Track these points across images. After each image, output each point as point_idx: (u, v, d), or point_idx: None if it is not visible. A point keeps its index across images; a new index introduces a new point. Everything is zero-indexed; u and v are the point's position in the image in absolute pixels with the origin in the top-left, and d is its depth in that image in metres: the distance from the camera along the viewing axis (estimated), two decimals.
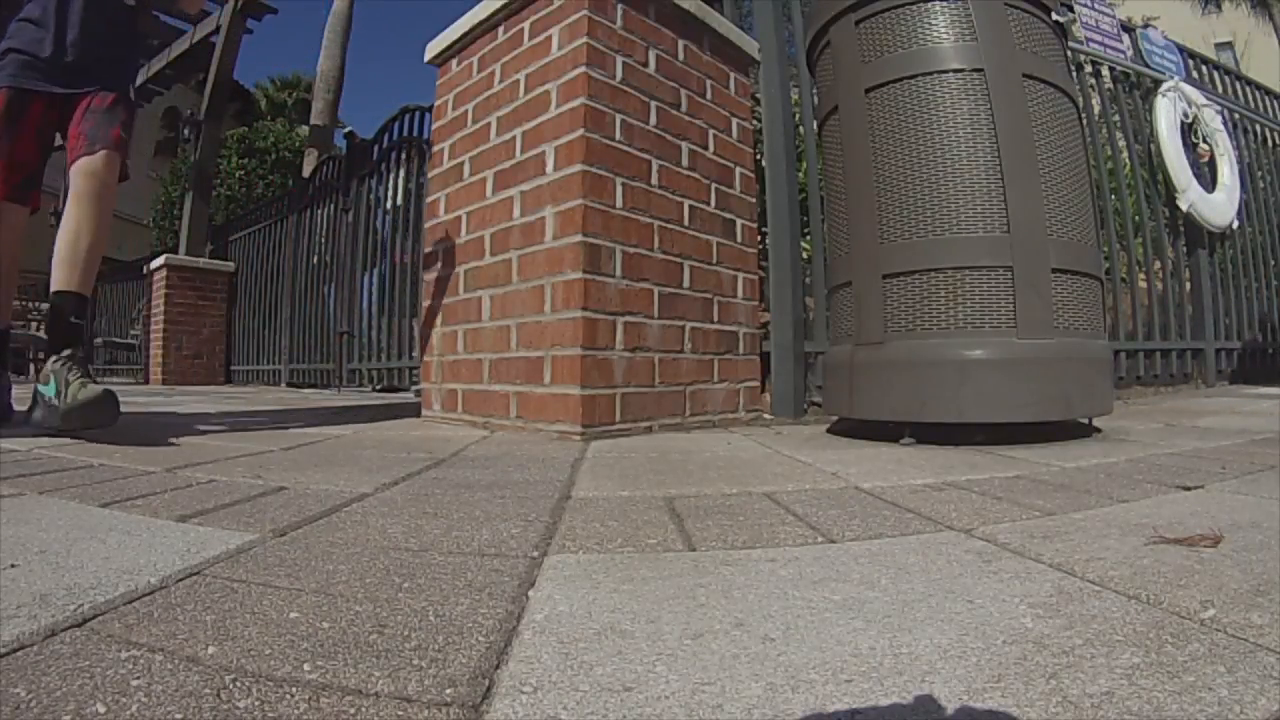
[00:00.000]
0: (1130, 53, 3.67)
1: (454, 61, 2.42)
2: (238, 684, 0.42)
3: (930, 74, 1.66)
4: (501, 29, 2.19)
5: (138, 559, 0.67)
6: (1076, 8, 3.42)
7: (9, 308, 1.92)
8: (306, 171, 7.43)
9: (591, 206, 1.83)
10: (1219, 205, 3.65)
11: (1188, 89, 3.70)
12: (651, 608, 0.57)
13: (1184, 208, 3.56)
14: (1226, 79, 4.23)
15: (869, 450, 1.54)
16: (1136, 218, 3.57)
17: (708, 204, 2.24)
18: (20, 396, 1.91)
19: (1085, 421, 1.78)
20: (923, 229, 1.63)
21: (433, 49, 2.48)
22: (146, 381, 6.28)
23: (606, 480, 1.17)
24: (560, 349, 1.82)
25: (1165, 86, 3.62)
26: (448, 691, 0.42)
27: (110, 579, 0.60)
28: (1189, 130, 3.65)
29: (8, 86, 1.68)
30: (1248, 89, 4.32)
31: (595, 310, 1.81)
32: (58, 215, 1.85)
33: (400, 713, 0.39)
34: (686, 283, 2.12)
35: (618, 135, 1.93)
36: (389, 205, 4.75)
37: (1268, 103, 4.41)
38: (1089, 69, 3.50)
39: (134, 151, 1.86)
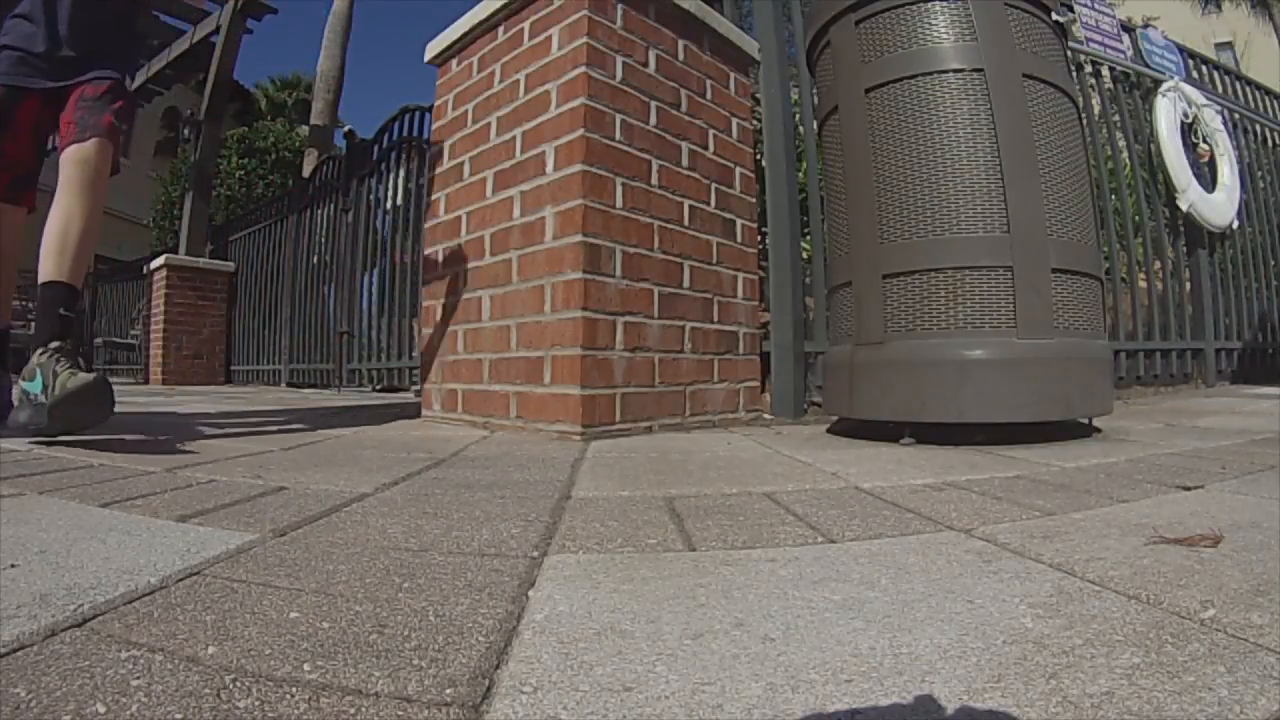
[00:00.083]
0: (1130, 53, 3.67)
1: (454, 61, 2.42)
2: (238, 684, 0.42)
3: (930, 74, 1.66)
4: (501, 29, 2.19)
5: (138, 559, 0.67)
6: (1076, 8, 3.42)
7: (8, 307, 1.92)
8: (306, 171, 7.43)
9: (591, 206, 1.83)
10: (1219, 205, 3.65)
11: (1188, 89, 3.69)
12: (651, 608, 0.57)
13: (1184, 208, 3.56)
14: (1226, 79, 4.23)
15: (869, 450, 1.54)
16: (1136, 218, 3.57)
17: (708, 204, 2.24)
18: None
19: (1085, 421, 1.78)
20: (923, 229, 1.63)
21: (433, 49, 2.48)
22: (146, 381, 6.28)
23: (606, 480, 1.17)
24: (560, 349, 1.82)
25: (1165, 86, 3.62)
26: (448, 691, 0.42)
27: (110, 579, 0.60)
28: (1189, 130, 3.65)
29: (1, 84, 1.62)
30: (1248, 89, 4.32)
31: (595, 310, 1.81)
32: None
33: (400, 713, 0.39)
34: (686, 283, 2.12)
35: (618, 135, 1.93)
36: (389, 205, 4.74)
37: (1268, 103, 4.41)
38: (1089, 69, 3.49)
39: (134, 151, 1.84)
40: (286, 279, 5.88)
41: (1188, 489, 1.04)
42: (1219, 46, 14.73)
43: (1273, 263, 4.19)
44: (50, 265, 1.56)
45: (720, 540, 0.78)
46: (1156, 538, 0.75)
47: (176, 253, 6.41)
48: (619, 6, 1.99)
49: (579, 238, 1.80)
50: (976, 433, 1.61)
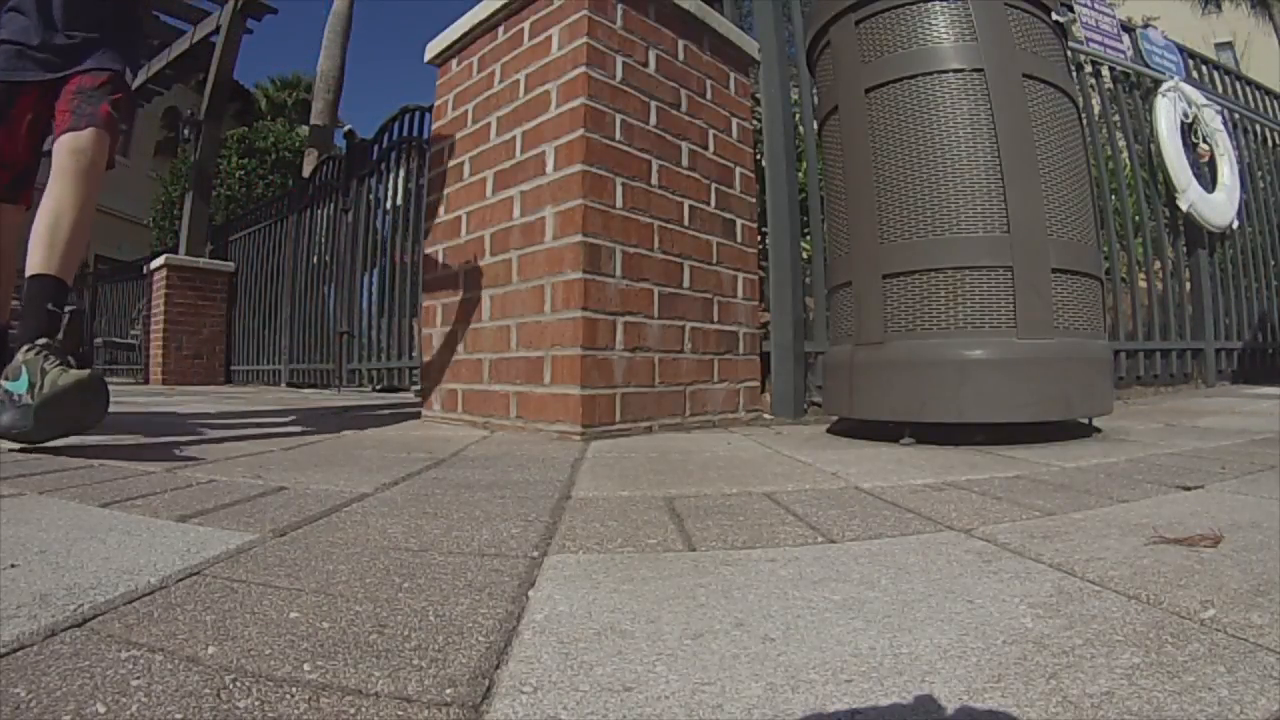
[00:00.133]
0: (1130, 53, 3.67)
1: (454, 61, 2.42)
2: (238, 684, 0.42)
3: (930, 74, 1.66)
4: (501, 29, 2.19)
5: (138, 559, 0.67)
6: (1076, 8, 3.42)
7: (8, 307, 1.92)
8: (306, 171, 7.44)
9: (591, 206, 1.83)
10: (1219, 205, 3.66)
11: (1188, 89, 3.70)
12: (651, 608, 0.57)
13: (1184, 208, 3.57)
14: (1226, 79, 4.23)
15: (869, 450, 1.54)
16: (1136, 218, 3.57)
17: (708, 204, 2.24)
18: None
19: (1085, 421, 1.78)
20: (923, 229, 1.63)
21: (433, 49, 2.48)
22: (146, 381, 6.28)
23: (606, 480, 1.17)
24: (560, 349, 1.82)
25: (1165, 86, 3.62)
26: (448, 691, 0.42)
27: (110, 579, 0.60)
28: (1189, 130, 3.65)
29: None
30: (1248, 89, 4.32)
31: (595, 310, 1.81)
32: None
33: (400, 713, 0.39)
34: (686, 283, 2.12)
35: (618, 135, 1.93)
36: (389, 205, 4.74)
37: (1268, 103, 4.41)
38: (1089, 69, 3.50)
39: (134, 151, 1.83)
40: (286, 279, 5.88)
41: (1188, 489, 1.04)
42: (1219, 46, 14.73)
43: (1273, 263, 4.19)
44: (39, 257, 1.46)
45: (720, 540, 0.78)
46: (1156, 538, 0.75)
47: (176, 253, 6.41)
48: (619, 6, 1.99)
49: (579, 238, 1.80)
50: (976, 433, 1.61)
